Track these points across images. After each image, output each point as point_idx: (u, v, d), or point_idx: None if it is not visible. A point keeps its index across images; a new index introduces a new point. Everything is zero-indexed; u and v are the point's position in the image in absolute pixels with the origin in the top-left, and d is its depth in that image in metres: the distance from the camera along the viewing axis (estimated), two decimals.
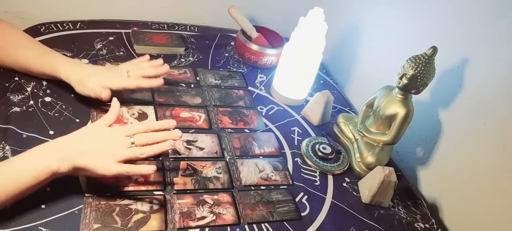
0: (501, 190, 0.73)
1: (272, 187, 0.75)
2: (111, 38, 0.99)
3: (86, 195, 0.62)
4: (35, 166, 0.56)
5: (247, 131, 0.86)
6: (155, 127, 0.68)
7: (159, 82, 0.81)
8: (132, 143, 0.63)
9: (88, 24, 1.01)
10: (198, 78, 0.97)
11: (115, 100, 0.69)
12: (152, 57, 0.97)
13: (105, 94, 0.73)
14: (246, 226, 0.67)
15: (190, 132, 0.81)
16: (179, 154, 0.75)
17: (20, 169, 0.55)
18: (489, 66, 0.76)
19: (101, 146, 0.61)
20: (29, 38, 0.78)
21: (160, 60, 0.85)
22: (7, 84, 0.76)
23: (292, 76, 0.96)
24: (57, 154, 0.58)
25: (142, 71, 0.81)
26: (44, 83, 0.78)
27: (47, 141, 0.68)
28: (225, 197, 0.70)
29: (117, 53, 0.95)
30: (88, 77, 0.74)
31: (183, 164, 0.73)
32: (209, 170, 0.74)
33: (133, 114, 0.80)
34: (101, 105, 0.77)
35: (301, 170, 0.82)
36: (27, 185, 0.55)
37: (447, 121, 0.84)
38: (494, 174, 0.75)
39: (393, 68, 0.80)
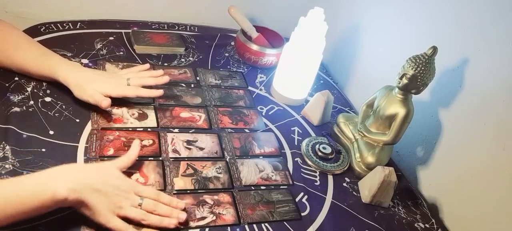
0: (501, 190, 0.73)
1: (272, 187, 0.75)
2: (111, 38, 0.99)
3: None
4: (43, 191, 0.53)
5: (247, 131, 0.86)
6: (165, 200, 0.63)
7: (158, 92, 0.80)
8: (139, 204, 0.60)
9: (88, 24, 1.01)
10: (198, 78, 0.97)
11: (136, 143, 0.67)
12: (152, 57, 0.98)
13: (105, 103, 0.73)
14: (246, 226, 0.67)
15: (190, 132, 0.81)
16: (179, 154, 0.75)
17: (27, 192, 0.53)
18: (489, 66, 0.76)
19: (110, 192, 0.58)
20: (29, 39, 0.78)
21: (161, 71, 0.85)
22: (7, 84, 0.76)
23: (292, 76, 0.96)
24: (67, 182, 0.55)
25: (142, 80, 0.80)
26: (44, 83, 0.78)
27: (47, 141, 0.69)
28: (225, 197, 0.70)
29: (117, 53, 0.95)
30: (87, 83, 0.74)
31: (183, 164, 0.73)
32: (209, 170, 0.74)
33: (133, 114, 0.80)
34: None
35: (301, 170, 0.82)
36: (31, 209, 0.53)
37: (447, 121, 0.84)
38: (494, 174, 0.75)
39: (393, 68, 0.80)
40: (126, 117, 0.78)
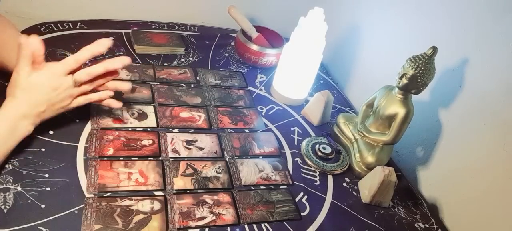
0: (501, 190, 0.73)
1: (272, 187, 0.75)
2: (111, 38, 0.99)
3: (87, 195, 0.62)
4: (14, 137, 0.62)
5: (247, 130, 0.86)
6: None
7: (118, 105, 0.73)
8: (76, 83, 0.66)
9: (88, 24, 1.01)
10: (198, 78, 0.97)
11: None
12: (152, 57, 0.98)
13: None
14: (246, 226, 0.67)
15: (190, 131, 0.81)
16: (179, 153, 0.75)
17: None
18: (489, 67, 0.76)
19: (57, 97, 0.65)
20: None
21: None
22: (6, 84, 0.76)
23: (292, 76, 0.96)
24: (30, 121, 0.63)
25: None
26: None
27: (47, 140, 0.69)
28: (225, 197, 0.70)
29: (117, 53, 0.95)
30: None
31: (183, 164, 0.73)
32: (209, 170, 0.74)
33: (133, 114, 0.80)
34: (100, 106, 0.77)
35: (301, 170, 0.82)
36: (9, 149, 0.61)
37: (447, 121, 0.84)
38: (494, 174, 0.75)
39: (393, 68, 0.80)
40: (126, 116, 0.78)
